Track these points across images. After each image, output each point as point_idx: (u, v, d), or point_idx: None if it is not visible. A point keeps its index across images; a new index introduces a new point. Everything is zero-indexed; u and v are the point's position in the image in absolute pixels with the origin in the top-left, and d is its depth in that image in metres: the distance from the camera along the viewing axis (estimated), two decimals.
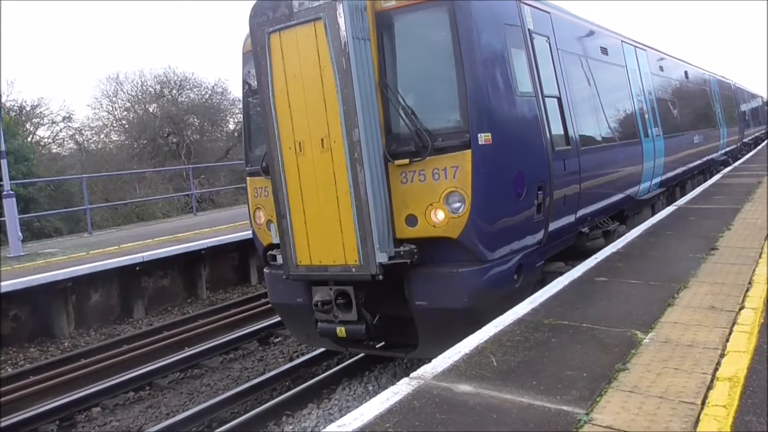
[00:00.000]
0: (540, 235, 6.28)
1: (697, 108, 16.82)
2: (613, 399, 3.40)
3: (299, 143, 5.55)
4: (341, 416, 3.65)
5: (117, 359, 8.45)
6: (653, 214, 10.54)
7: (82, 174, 21.52)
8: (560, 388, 3.57)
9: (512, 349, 4.24)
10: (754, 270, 6.02)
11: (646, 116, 10.91)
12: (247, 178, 6.81)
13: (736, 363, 3.82)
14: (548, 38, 7.13)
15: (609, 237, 8.38)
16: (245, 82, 6.93)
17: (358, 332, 5.79)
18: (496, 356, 4.10)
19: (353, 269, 5.45)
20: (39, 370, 8.23)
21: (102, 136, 32.86)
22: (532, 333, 4.54)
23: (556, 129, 6.81)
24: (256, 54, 5.68)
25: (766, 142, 33.14)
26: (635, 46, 11.50)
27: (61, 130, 30.91)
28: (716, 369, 3.75)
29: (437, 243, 5.50)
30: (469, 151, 5.31)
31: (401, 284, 5.72)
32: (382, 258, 5.34)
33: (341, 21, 5.18)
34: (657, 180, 11.34)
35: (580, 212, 7.36)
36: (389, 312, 5.88)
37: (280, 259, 6.05)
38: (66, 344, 9.69)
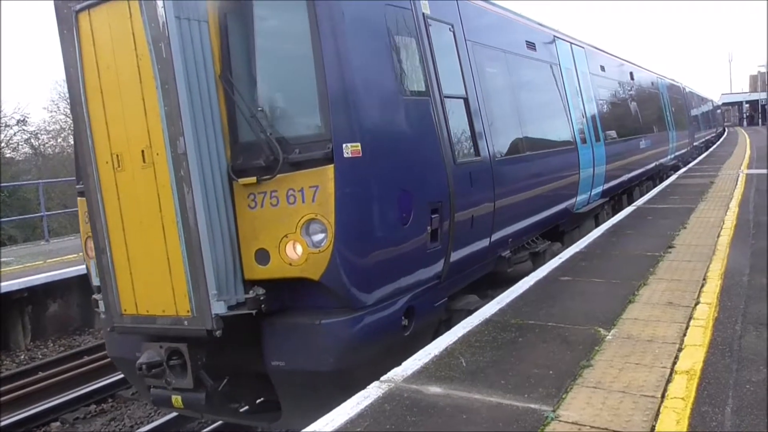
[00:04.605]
0: (438, 267, 5.12)
1: (644, 111, 15.64)
2: (578, 395, 3.49)
3: (117, 156, 4.30)
4: None
5: (77, 371, 8.19)
6: (597, 225, 9.79)
7: (38, 179, 20.77)
8: (528, 386, 3.64)
9: (481, 349, 4.30)
10: (709, 266, 6.28)
11: (584, 120, 9.85)
12: (78, 198, 5.26)
13: (693, 356, 3.98)
14: (452, 27, 5.93)
15: (539, 259, 7.42)
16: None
17: (196, 402, 4.43)
18: (465, 357, 4.16)
19: (185, 322, 4.21)
20: None
21: (60, 140, 31.92)
22: (500, 333, 4.62)
23: (461, 137, 5.73)
24: (63, 38, 4.37)
25: (716, 145, 34.31)
26: (571, 43, 10.34)
27: (15, 134, 29.84)
28: (675, 363, 3.89)
29: (297, 285, 4.36)
30: (330, 167, 4.16)
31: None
32: (219, 308, 4.13)
33: None
34: (598, 190, 10.34)
35: (497, 235, 6.22)
36: (249, 368, 4.61)
37: (102, 306, 4.68)
38: (22, 357, 9.32)
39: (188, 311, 4.19)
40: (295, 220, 4.26)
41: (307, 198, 4.23)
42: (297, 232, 4.25)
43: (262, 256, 4.37)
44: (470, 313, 5.29)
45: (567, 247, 7.80)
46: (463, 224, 5.40)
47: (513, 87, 7.42)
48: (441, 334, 4.83)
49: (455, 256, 5.33)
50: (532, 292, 5.76)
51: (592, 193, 9.98)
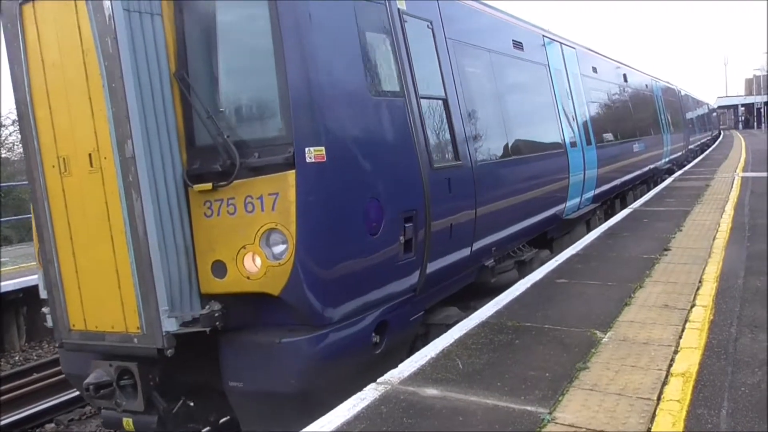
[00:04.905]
0: (412, 279, 4.85)
1: (637, 114, 15.36)
2: (574, 397, 3.50)
3: (63, 159, 4.05)
4: None
5: None
6: (588, 231, 9.49)
7: None
8: (524, 388, 3.65)
9: (477, 351, 4.31)
10: (704, 269, 6.30)
11: (574, 123, 9.52)
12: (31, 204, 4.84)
13: (689, 359, 3.99)
14: (431, 24, 5.61)
15: (525, 267, 7.09)
16: None
17: (147, 426, 4.17)
18: (461, 359, 4.16)
19: (135, 339, 3.95)
20: None
21: None
22: (496, 335, 4.62)
23: (439, 140, 5.42)
24: (6, 33, 4.11)
25: (711, 148, 34.35)
26: (561, 43, 9.94)
27: (11, 134, 29.75)
28: (670, 365, 3.90)
29: (259, 299, 4.07)
30: (291, 172, 3.88)
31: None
32: (170, 325, 3.87)
33: None
34: (589, 195, 9.98)
35: (479, 243, 5.89)
36: (212, 386, 4.34)
37: (50, 320, 4.40)
38: (17, 358, 9.27)
39: (138, 328, 3.94)
40: (254, 229, 3.97)
41: (267, 206, 3.94)
42: (255, 243, 3.96)
43: (219, 269, 4.09)
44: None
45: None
46: (440, 233, 5.08)
47: (498, 88, 7.07)
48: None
49: (432, 267, 5.04)
50: (528, 294, 5.76)
51: (583, 198, 9.68)
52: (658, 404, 3.38)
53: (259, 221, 3.96)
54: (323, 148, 3.98)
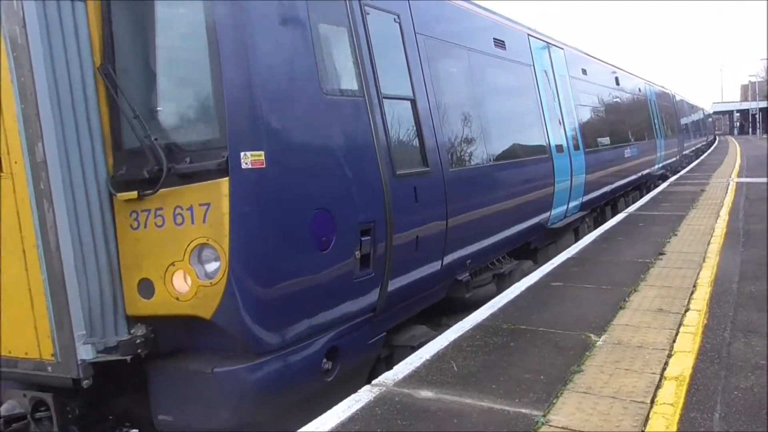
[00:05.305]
0: (371, 298, 4.44)
1: (630, 119, 14.92)
2: (568, 400, 3.51)
3: None
4: None
5: None
6: (576, 240, 9.21)
7: None
8: (519, 391, 3.66)
9: (472, 353, 4.31)
10: (699, 273, 6.33)
11: (561, 127, 9.08)
12: None
13: (683, 363, 4.01)
14: (398, 18, 5.12)
15: (505, 281, 6.67)
16: None
17: None
18: (456, 361, 4.17)
19: (49, 367, 3.51)
20: None
21: None
22: (491, 337, 4.63)
23: (405, 145, 4.99)
24: None
25: (706, 153, 34.42)
26: (548, 43, 9.44)
27: None
28: (664, 369, 3.92)
29: (192, 323, 3.64)
30: (224, 180, 3.44)
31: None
32: (86, 353, 3.44)
33: None
34: (576, 202, 9.56)
35: (451, 257, 5.47)
36: (144, 418, 3.90)
37: None
38: None
39: (52, 355, 3.48)
40: (183, 244, 3.53)
41: (197, 218, 3.49)
42: (185, 260, 3.52)
43: (146, 288, 3.65)
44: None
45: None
46: (404, 247, 4.66)
47: (476, 89, 6.58)
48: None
49: (395, 284, 4.63)
50: (523, 297, 5.78)
51: (570, 206, 9.23)
52: (651, 407, 3.39)
53: (189, 235, 3.52)
54: (262, 152, 3.52)
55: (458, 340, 4.61)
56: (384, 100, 4.66)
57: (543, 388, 3.67)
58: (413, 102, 5.12)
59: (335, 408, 3.55)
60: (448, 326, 5.09)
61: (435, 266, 5.24)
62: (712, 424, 3.20)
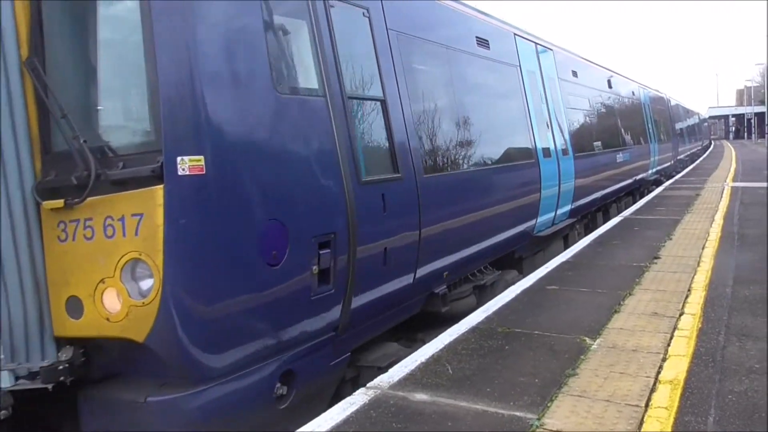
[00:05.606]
0: (332, 316, 4.10)
1: (623, 123, 14.55)
2: (563, 404, 3.51)
3: None
4: None
5: None
6: (566, 248, 8.92)
7: None
8: (513, 394, 3.66)
9: (467, 356, 4.31)
10: (693, 277, 6.35)
11: (549, 131, 8.73)
12: None
13: (677, 366, 4.02)
14: (368, 12, 4.77)
15: (486, 292, 6.39)
16: None
17: None
18: (451, 364, 4.16)
19: None
20: None
21: None
22: (486, 341, 4.63)
23: (374, 148, 4.67)
24: None
25: (702, 158, 34.50)
26: (536, 44, 9.07)
27: None
28: (659, 372, 3.93)
29: (127, 345, 3.30)
30: (159, 188, 3.13)
31: None
32: (5, 380, 3.18)
33: None
34: (565, 209, 9.20)
35: (426, 269, 5.13)
36: None
37: None
38: None
39: None
40: (114, 259, 3.21)
41: (129, 230, 3.17)
42: (116, 277, 3.20)
43: (75, 307, 3.32)
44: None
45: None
46: (369, 260, 4.32)
47: (455, 90, 6.20)
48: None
49: (359, 300, 4.29)
50: (518, 300, 5.78)
51: (558, 213, 8.86)
52: (646, 411, 3.39)
53: (121, 249, 3.19)
54: (202, 157, 3.19)
55: (453, 343, 4.61)
56: (349, 100, 4.32)
57: (538, 392, 3.67)
58: (383, 103, 4.77)
59: (330, 411, 3.55)
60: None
61: (407, 279, 4.92)
62: (706, 427, 3.21)
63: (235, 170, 3.40)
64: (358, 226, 4.13)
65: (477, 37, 6.92)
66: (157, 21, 3.18)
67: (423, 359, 4.28)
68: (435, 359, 4.28)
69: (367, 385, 3.89)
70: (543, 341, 4.57)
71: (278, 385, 3.75)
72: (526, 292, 6.05)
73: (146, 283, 3.20)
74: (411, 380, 3.93)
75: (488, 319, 5.17)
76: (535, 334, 4.74)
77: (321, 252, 3.88)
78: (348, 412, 3.48)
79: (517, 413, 3.40)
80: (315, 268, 3.83)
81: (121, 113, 3.57)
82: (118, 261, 3.21)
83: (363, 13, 4.73)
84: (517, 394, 3.65)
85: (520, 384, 3.80)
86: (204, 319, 3.29)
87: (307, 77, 4.04)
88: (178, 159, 3.15)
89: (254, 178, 3.51)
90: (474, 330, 4.91)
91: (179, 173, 3.15)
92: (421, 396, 3.67)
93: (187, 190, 3.18)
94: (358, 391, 3.80)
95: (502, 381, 3.86)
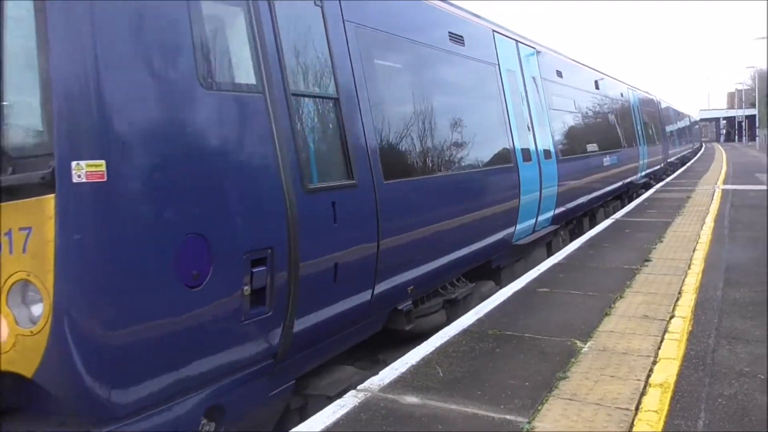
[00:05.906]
0: (270, 341, 3.66)
1: (610, 125, 14.21)
2: (553, 407, 3.51)
3: None
4: None
5: None
6: (550, 254, 8.66)
7: None
8: (504, 397, 3.65)
9: (458, 359, 4.30)
10: (684, 280, 6.38)
11: (530, 134, 8.29)
12: None
13: (667, 369, 4.02)
14: (320, 1, 4.35)
15: (458, 307, 5.94)
16: None
17: None
18: (442, 367, 4.15)
19: None
20: None
21: None
22: (477, 343, 4.62)
23: (323, 152, 4.24)
24: None
25: (692, 160, 34.70)
26: (517, 41, 8.60)
27: None
28: (649, 375, 3.93)
29: (17, 380, 2.90)
30: (50, 197, 2.75)
31: None
32: None
33: None
34: (547, 215, 8.76)
35: (386, 284, 4.71)
36: None
37: None
38: None
39: None
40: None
41: (17, 246, 2.78)
42: (1, 300, 2.84)
43: None
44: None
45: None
46: (315, 277, 3.88)
47: (424, 89, 5.75)
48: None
49: (303, 323, 3.84)
50: (510, 302, 5.78)
51: (539, 220, 8.41)
52: (636, 414, 3.40)
53: (7, 269, 2.81)
54: (103, 162, 2.76)
55: (444, 345, 4.59)
56: (295, 98, 3.88)
57: (528, 395, 3.67)
58: (337, 102, 4.33)
59: (319, 414, 3.52)
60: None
61: (363, 297, 4.48)
62: (696, 431, 3.21)
63: (145, 177, 2.95)
64: (301, 240, 3.69)
65: (450, 32, 6.49)
66: (52, 14, 2.80)
67: (413, 362, 4.26)
68: (426, 362, 4.26)
69: (358, 387, 3.87)
70: (534, 344, 4.57)
71: (204, 421, 3.31)
72: (517, 294, 6.05)
73: (37, 309, 2.80)
74: (401, 383, 3.91)
75: (479, 322, 5.17)
76: (526, 337, 4.73)
77: (255, 270, 3.42)
78: (338, 415, 3.46)
79: (508, 416, 3.39)
80: (247, 288, 3.38)
81: (11, 110, 3.04)
82: (5, 282, 2.82)
83: (315, 3, 4.26)
84: (507, 397, 3.64)
85: (510, 387, 3.79)
86: (102, 350, 2.83)
87: (242, 71, 3.57)
88: (73, 164, 2.72)
89: (169, 186, 3.05)
90: (465, 332, 4.90)
91: (74, 180, 2.72)
92: (411, 399, 3.66)
93: (84, 200, 2.75)
94: (348, 394, 3.78)
95: (493, 384, 3.85)
